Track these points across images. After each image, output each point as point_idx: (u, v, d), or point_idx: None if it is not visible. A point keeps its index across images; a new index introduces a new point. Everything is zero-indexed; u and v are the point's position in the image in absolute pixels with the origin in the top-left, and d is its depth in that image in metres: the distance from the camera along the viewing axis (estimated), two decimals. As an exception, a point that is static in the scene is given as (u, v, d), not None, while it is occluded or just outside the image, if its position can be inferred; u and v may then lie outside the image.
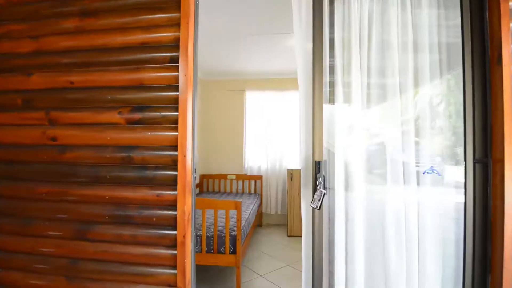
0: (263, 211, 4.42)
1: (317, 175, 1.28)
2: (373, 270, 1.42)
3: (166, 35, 1.42)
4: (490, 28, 1.26)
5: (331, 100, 1.51)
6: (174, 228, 1.39)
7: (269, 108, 4.45)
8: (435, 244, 1.35)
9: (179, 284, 1.35)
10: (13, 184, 1.53)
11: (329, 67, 1.49)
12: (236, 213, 2.23)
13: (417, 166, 1.40)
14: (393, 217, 1.39)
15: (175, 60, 1.40)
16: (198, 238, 2.25)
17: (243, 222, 2.64)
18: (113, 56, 1.47)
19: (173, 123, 1.40)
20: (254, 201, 3.73)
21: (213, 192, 4.41)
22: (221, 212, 2.82)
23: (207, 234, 2.27)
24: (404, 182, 1.38)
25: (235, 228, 2.25)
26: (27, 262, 1.50)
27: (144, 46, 1.44)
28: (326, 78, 1.46)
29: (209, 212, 2.79)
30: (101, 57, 1.48)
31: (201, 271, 2.65)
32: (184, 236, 1.36)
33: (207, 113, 4.64)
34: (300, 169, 1.52)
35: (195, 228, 2.30)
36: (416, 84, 1.42)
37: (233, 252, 2.21)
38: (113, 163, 1.45)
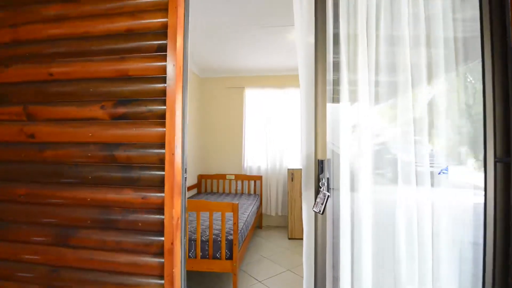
0: (263, 212, 4.28)
1: (320, 176, 1.15)
2: (382, 276, 1.28)
3: (153, 21, 1.29)
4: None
5: (335, 99, 1.39)
6: (162, 234, 1.26)
7: (269, 106, 4.32)
8: (451, 249, 1.22)
9: (166, 296, 1.23)
10: (-14, 185, 1.40)
11: (333, 63, 1.36)
12: (233, 216, 2.09)
13: (431, 166, 1.26)
14: (404, 220, 1.26)
15: (163, 48, 1.28)
16: (192, 242, 2.12)
17: (241, 225, 2.51)
18: (96, 45, 1.34)
19: (161, 118, 1.27)
20: (254, 202, 3.60)
21: (212, 192, 4.28)
22: (218, 215, 2.69)
23: (202, 238, 2.13)
24: (417, 184, 1.24)
25: (232, 232, 2.11)
26: (4, 269, 1.37)
27: (130, 34, 1.31)
28: (330, 76, 1.34)
29: (205, 215, 2.66)
30: (83, 46, 1.36)
31: (197, 277, 2.52)
32: (172, 243, 1.23)
33: (205, 111, 4.51)
34: (301, 169, 1.38)
35: (189, 232, 2.19)
36: (429, 80, 1.29)
37: (230, 257, 2.08)
38: (96, 162, 1.32)
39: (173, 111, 1.24)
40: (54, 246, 1.36)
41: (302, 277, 1.39)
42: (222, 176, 4.32)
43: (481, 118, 1.21)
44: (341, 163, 1.23)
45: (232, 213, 2.15)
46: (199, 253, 2.08)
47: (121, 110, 1.30)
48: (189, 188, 3.91)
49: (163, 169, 1.26)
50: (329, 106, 1.28)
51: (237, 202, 2.11)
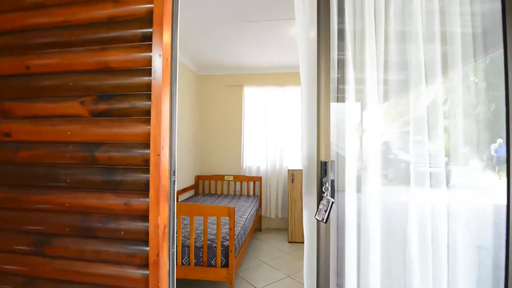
0: (263, 214, 4.15)
1: (323, 179, 1.02)
2: (391, 285, 1.16)
3: (137, 7, 1.16)
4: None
5: (338, 98, 1.27)
6: (147, 244, 1.13)
7: (269, 105, 4.19)
8: (469, 255, 1.09)
9: (150, 313, 1.10)
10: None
11: (335, 61, 1.24)
12: (229, 220, 1.96)
13: (444, 167, 1.14)
14: (416, 224, 1.13)
15: (148, 37, 1.15)
16: (185, 248, 1.99)
17: (238, 229, 2.38)
18: (76, 35, 1.22)
19: (146, 115, 1.14)
20: (253, 204, 3.47)
21: (209, 194, 4.15)
22: (214, 218, 2.56)
23: (196, 244, 2.00)
24: (431, 186, 1.11)
25: (228, 237, 1.98)
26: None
27: (112, 22, 1.19)
28: (335, 73, 1.22)
29: (200, 218, 2.54)
30: (62, 36, 1.23)
31: (190, 285, 2.38)
32: (158, 255, 1.10)
33: (203, 110, 4.38)
34: (302, 169, 1.25)
35: (182, 237, 2.04)
36: (442, 77, 1.16)
37: (226, 265, 1.95)
38: (75, 163, 1.20)
39: (159, 107, 1.12)
40: (30, 255, 1.24)
41: (303, 284, 1.27)
42: (221, 177, 4.19)
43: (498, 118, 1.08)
44: (346, 165, 1.10)
45: (228, 217, 2.02)
46: (193, 260, 1.95)
47: (102, 106, 1.18)
48: (186, 190, 3.79)
49: (148, 171, 1.13)
50: (332, 105, 1.17)
51: (233, 206, 1.98)
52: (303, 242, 1.26)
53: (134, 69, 1.16)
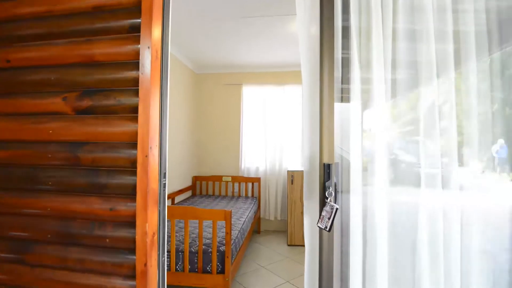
0: (261, 216, 4.06)
1: (327, 184, 0.93)
2: None
3: (125, -5, 1.08)
4: None
5: (344, 98, 1.18)
6: (135, 252, 1.04)
7: (268, 104, 4.09)
8: (483, 262, 1.00)
9: (137, 329, 1.01)
10: None
11: (339, 60, 1.16)
12: (225, 224, 1.87)
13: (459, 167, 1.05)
14: (428, 229, 1.04)
15: (137, 28, 1.06)
16: (180, 253, 1.90)
17: (235, 233, 2.29)
18: (58, 26, 1.13)
19: (133, 112, 1.05)
20: (251, 206, 3.37)
21: (207, 195, 4.06)
22: (209, 222, 2.46)
23: (191, 249, 1.91)
24: (443, 188, 1.02)
25: (225, 242, 1.89)
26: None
27: (97, 12, 1.10)
28: (338, 73, 1.13)
29: (196, 221, 2.44)
30: (44, 27, 1.15)
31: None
32: (145, 264, 1.01)
33: (200, 109, 4.29)
34: (302, 170, 1.16)
35: (176, 241, 1.95)
36: (454, 76, 1.07)
37: (222, 271, 1.86)
38: (57, 164, 1.11)
39: (147, 104, 1.03)
40: (9, 263, 1.15)
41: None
42: (218, 178, 4.09)
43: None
44: (351, 168, 1.01)
45: (224, 221, 1.92)
46: (187, 266, 1.86)
47: (86, 102, 1.08)
48: (183, 191, 3.69)
49: (135, 173, 1.04)
50: (335, 105, 1.08)
51: (230, 208, 1.89)
52: (302, 245, 1.17)
53: (121, 62, 1.07)
